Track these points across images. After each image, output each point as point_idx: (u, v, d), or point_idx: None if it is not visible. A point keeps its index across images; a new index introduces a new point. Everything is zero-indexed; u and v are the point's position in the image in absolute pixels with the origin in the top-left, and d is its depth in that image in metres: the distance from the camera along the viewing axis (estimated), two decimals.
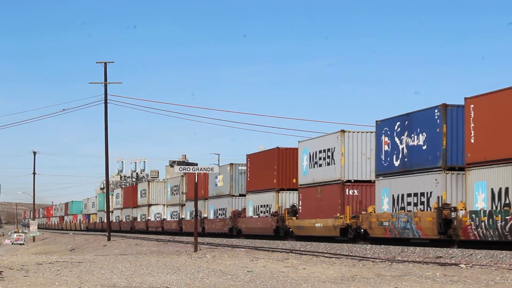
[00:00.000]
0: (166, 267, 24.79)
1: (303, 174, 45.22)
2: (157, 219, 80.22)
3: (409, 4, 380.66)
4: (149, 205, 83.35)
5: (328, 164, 41.90)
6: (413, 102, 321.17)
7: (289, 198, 48.79)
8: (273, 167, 49.38)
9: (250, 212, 53.46)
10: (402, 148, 35.87)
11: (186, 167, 38.25)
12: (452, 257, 27.86)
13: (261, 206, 51.38)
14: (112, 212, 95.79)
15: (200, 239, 49.74)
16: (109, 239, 64.96)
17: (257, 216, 51.99)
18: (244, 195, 55.93)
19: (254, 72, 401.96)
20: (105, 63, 63.84)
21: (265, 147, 56.10)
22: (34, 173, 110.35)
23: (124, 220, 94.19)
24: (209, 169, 38.09)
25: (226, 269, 24.12)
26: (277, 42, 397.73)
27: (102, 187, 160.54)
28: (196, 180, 38.37)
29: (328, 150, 41.95)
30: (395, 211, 35.93)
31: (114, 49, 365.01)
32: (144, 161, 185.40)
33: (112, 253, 43.13)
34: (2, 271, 22.63)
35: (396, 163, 36.24)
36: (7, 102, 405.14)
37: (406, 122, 35.55)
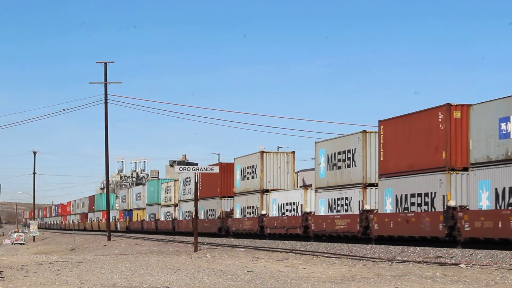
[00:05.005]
0: (166, 267, 24.81)
1: None
2: (287, 213, 47.89)
3: (409, 5, 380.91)
4: (263, 192, 51.63)
5: None
6: (413, 103, 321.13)
7: None
8: None
9: None
10: None
11: (187, 167, 38.29)
12: (452, 257, 27.85)
13: None
14: (176, 205, 71.85)
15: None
16: (109, 239, 64.96)
17: None
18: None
19: (254, 73, 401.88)
20: (105, 63, 63.89)
21: (265, 147, 53.37)
22: (34, 173, 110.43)
23: (203, 217, 61.46)
24: (209, 169, 38.14)
25: (226, 269, 24.13)
26: (277, 42, 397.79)
27: (102, 187, 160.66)
28: (196, 180, 38.39)
29: None
30: None
31: (114, 49, 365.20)
32: (144, 161, 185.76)
33: (112, 253, 43.15)
34: (2, 271, 22.64)
35: None
36: (7, 102, 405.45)
37: None
